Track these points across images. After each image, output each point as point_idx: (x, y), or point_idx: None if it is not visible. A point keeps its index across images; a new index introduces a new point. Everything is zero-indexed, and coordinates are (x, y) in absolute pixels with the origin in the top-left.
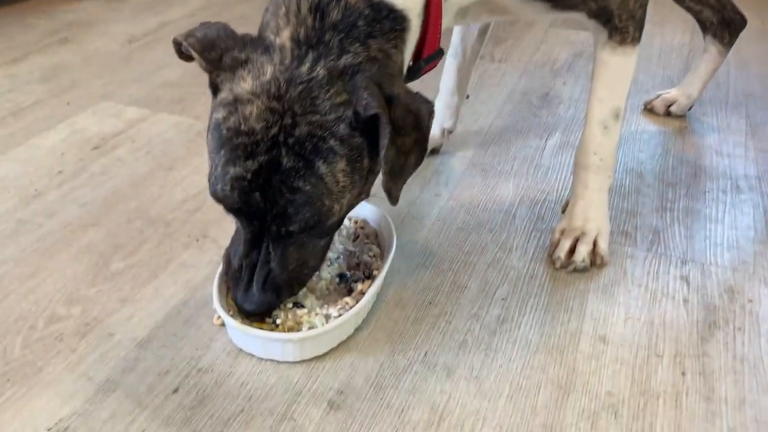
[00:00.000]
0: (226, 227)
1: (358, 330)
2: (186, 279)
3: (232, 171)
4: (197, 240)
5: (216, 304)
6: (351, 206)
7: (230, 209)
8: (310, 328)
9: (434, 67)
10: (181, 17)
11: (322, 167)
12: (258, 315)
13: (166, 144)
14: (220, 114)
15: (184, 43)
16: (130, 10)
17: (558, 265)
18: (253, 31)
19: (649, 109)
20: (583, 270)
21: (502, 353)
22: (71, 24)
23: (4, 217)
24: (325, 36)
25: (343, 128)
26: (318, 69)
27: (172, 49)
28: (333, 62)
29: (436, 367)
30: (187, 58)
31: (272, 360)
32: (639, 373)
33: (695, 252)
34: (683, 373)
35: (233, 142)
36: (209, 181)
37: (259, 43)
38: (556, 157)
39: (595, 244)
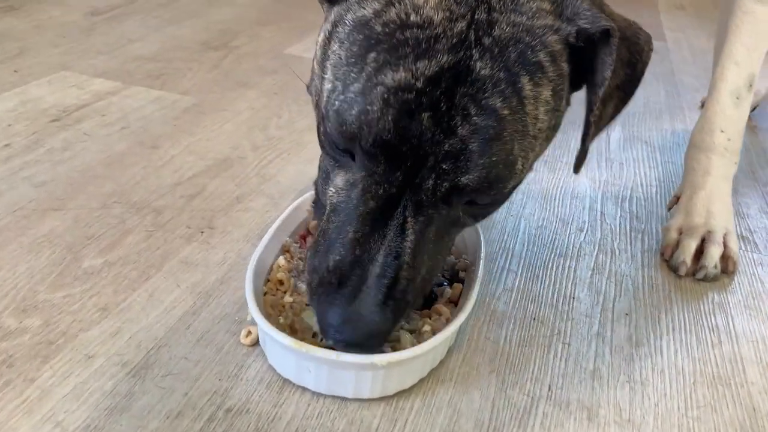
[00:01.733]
0: (237, 218)
1: (448, 353)
2: (192, 282)
3: (391, 78)
4: (201, 232)
5: (253, 310)
6: (522, 176)
7: (370, 145)
8: (394, 348)
9: None
10: None
11: (527, 86)
12: (367, 346)
13: (145, 120)
14: (368, 8)
15: None
16: None
17: (683, 271)
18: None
19: None
20: (713, 279)
21: (652, 387)
22: None
23: None
24: None
25: (555, 41)
26: None
27: (145, 24)
28: None
29: (570, 406)
30: None
31: (335, 396)
32: None
33: None
34: None
35: (395, 39)
36: (327, 106)
37: None
38: (624, 151)
39: (725, 245)
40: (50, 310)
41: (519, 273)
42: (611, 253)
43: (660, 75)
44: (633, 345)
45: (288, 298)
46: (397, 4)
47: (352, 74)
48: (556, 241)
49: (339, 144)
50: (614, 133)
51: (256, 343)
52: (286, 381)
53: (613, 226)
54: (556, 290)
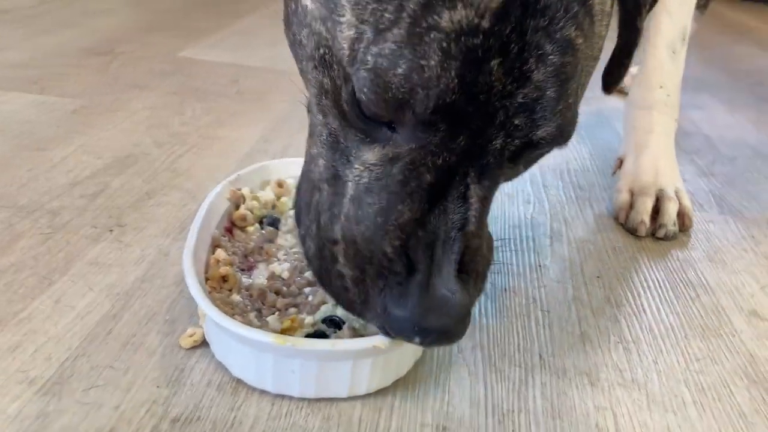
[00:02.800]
0: (150, 213)
1: None
2: (107, 283)
3: (448, 18)
4: (110, 231)
5: (205, 304)
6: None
7: (428, 111)
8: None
9: None
10: (22, 6)
11: (596, 3)
12: (457, 333)
13: (27, 124)
14: None
15: None
16: None
17: (643, 231)
18: None
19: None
20: (673, 237)
21: (646, 345)
22: None
23: None
24: None
25: None
26: None
27: (12, 33)
28: None
29: (567, 373)
30: None
31: (301, 398)
32: None
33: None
34: None
35: None
36: (353, 62)
37: None
38: None
39: (678, 202)
40: None
41: None
42: (564, 221)
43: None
44: (614, 306)
45: (236, 297)
46: None
47: (387, 15)
48: (506, 213)
49: (377, 114)
50: None
51: (198, 345)
52: (240, 381)
53: (559, 197)
54: (520, 260)
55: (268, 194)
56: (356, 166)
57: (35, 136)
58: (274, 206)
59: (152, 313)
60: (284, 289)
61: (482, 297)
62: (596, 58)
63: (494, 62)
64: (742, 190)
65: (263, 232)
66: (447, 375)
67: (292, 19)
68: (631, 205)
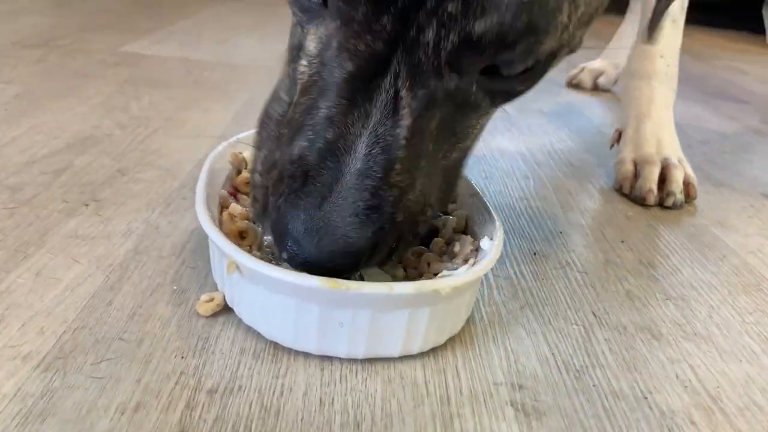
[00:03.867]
0: (127, 189)
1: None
2: (96, 255)
3: None
4: (86, 205)
5: (235, 250)
6: (567, 40)
7: None
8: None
9: None
10: None
11: None
12: (334, 266)
13: None
14: None
15: None
16: None
17: (651, 200)
18: None
19: (575, 84)
20: (680, 206)
21: (694, 301)
22: None
23: None
24: None
25: None
26: None
27: None
28: None
29: (627, 328)
30: None
31: (350, 360)
32: None
33: (765, 185)
34: None
35: None
36: None
37: None
38: (524, 119)
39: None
40: None
41: None
42: (568, 192)
43: None
44: (647, 267)
45: (257, 253)
46: None
47: None
48: (509, 187)
49: None
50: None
51: (217, 312)
52: (277, 346)
53: (554, 172)
54: (538, 227)
55: None
56: (303, 62)
57: None
58: None
59: (155, 284)
60: None
61: (513, 261)
62: None
63: None
64: (725, 167)
65: None
66: (504, 334)
67: None
68: (636, 175)
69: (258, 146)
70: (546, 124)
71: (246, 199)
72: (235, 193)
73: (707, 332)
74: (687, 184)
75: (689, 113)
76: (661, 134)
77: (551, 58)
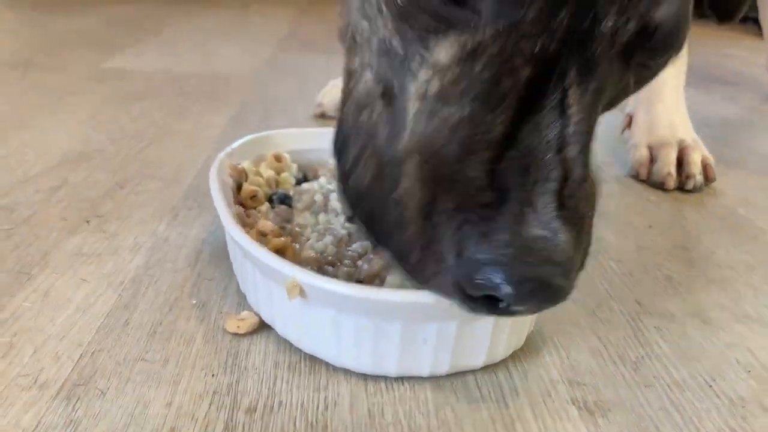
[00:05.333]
0: (130, 201)
1: None
2: (105, 272)
3: None
4: (87, 221)
5: (277, 262)
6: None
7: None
8: None
9: None
10: None
11: None
12: (559, 290)
13: None
14: None
15: None
16: None
17: (671, 184)
18: None
19: None
20: (700, 188)
21: (740, 285)
22: None
23: None
24: None
25: None
26: None
27: None
28: None
29: (675, 315)
30: None
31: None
32: None
33: None
34: None
35: None
36: None
37: None
38: None
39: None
40: None
41: None
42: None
43: None
44: (683, 250)
45: (311, 253)
46: None
47: None
48: None
49: None
50: None
51: (252, 331)
52: (313, 358)
53: None
54: None
55: (266, 170)
56: (422, 73)
57: None
58: (277, 184)
59: (173, 299)
60: (338, 263)
61: None
62: None
63: None
64: (736, 147)
65: (277, 210)
66: (551, 331)
67: None
68: (652, 160)
69: (349, 164)
70: None
71: (255, 214)
72: (241, 202)
73: (757, 314)
74: (705, 165)
75: (687, 99)
76: (674, 116)
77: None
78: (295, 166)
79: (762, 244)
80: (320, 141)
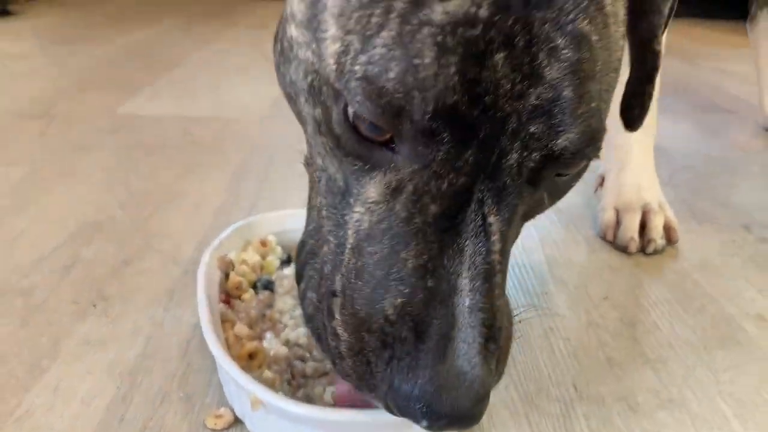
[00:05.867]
0: (133, 282)
1: None
2: (106, 362)
3: (441, 10)
4: (94, 306)
5: (246, 382)
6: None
7: (428, 118)
8: None
9: None
10: None
11: (607, 5)
12: (474, 418)
13: None
14: None
15: None
16: None
17: (633, 248)
18: None
19: None
20: (662, 251)
21: (672, 362)
22: None
23: None
24: None
25: None
26: None
27: None
28: None
29: (606, 400)
30: None
31: None
32: None
33: (748, 214)
34: None
35: None
36: (340, 78)
37: None
38: None
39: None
40: None
41: None
42: (555, 244)
43: None
44: (628, 326)
45: (268, 373)
46: None
47: (374, 19)
48: None
49: (373, 131)
50: None
51: (227, 427)
52: None
53: (542, 220)
54: (524, 289)
55: (252, 256)
56: (356, 209)
57: None
58: (262, 268)
59: (164, 391)
60: (307, 355)
61: None
62: (616, 70)
63: (498, 56)
64: (709, 198)
65: (260, 297)
66: (488, 417)
67: (280, 60)
68: (618, 223)
69: (304, 285)
70: None
71: (238, 303)
72: (227, 299)
73: (681, 398)
74: (668, 228)
75: (677, 132)
76: (641, 180)
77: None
78: (279, 249)
79: (706, 317)
80: (303, 222)
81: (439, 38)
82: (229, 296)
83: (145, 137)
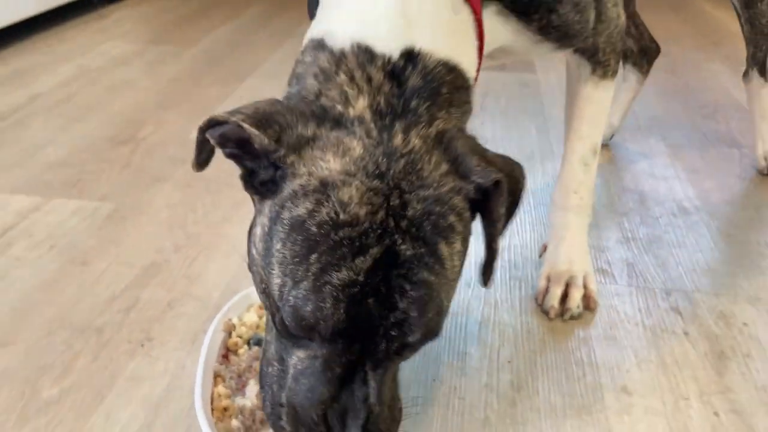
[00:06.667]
0: (172, 326)
1: None
2: (142, 395)
3: (337, 278)
4: (142, 345)
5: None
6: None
7: (328, 333)
8: None
9: None
10: (54, 87)
11: (444, 250)
12: None
13: (71, 234)
14: (301, 208)
15: (234, 119)
16: None
17: (552, 314)
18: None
19: None
20: (578, 317)
21: (531, 425)
22: None
23: None
24: (411, 103)
25: (459, 201)
26: (413, 139)
27: (51, 125)
28: (425, 130)
29: None
30: (207, 159)
31: None
32: (674, 422)
33: (674, 280)
34: (716, 414)
35: (332, 239)
36: (280, 300)
37: (323, 116)
38: None
39: (585, 287)
40: None
41: None
42: (494, 304)
43: (530, 111)
44: (515, 389)
45: (234, 421)
46: (326, 203)
47: (299, 272)
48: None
49: (298, 333)
50: None
51: None
52: None
53: (496, 278)
54: (451, 348)
55: (252, 317)
56: (293, 356)
57: (78, 248)
58: (257, 326)
59: (175, 421)
60: None
61: (414, 387)
62: (454, 279)
63: (370, 300)
64: (654, 257)
65: (251, 352)
66: None
67: (250, 249)
68: (547, 290)
69: (263, 394)
70: None
71: (234, 358)
72: (227, 354)
73: None
74: (588, 298)
75: (667, 172)
76: (573, 255)
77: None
78: None
79: (581, 387)
80: None
81: (335, 293)
82: (228, 351)
83: (207, 169)
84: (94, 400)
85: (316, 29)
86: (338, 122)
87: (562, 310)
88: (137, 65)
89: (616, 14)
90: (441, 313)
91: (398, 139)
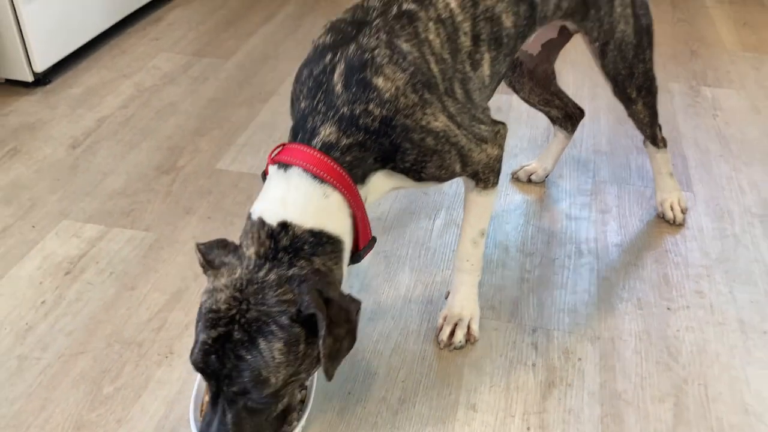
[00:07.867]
0: (187, 344)
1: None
2: (163, 395)
3: (201, 336)
4: (166, 357)
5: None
6: (289, 381)
7: (196, 368)
8: None
9: (371, 250)
10: (116, 109)
11: (262, 344)
12: None
13: (124, 263)
14: (204, 297)
15: (198, 251)
16: (66, 106)
17: (442, 346)
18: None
19: (515, 178)
20: (461, 347)
21: (402, 430)
22: (16, 130)
23: (6, 356)
24: (279, 254)
25: (284, 318)
26: (271, 275)
27: (113, 152)
28: (283, 271)
29: None
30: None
31: None
32: None
33: (543, 319)
34: (528, 429)
35: (206, 317)
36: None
37: (236, 253)
38: (441, 237)
39: (469, 326)
40: (91, 426)
41: (347, 359)
42: (408, 334)
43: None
44: (400, 402)
45: None
46: (211, 298)
47: (196, 331)
48: (375, 331)
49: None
50: (438, 220)
51: None
52: None
53: (414, 311)
54: (366, 370)
55: None
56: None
57: (129, 274)
58: None
59: (182, 415)
60: None
61: (334, 397)
62: (275, 366)
63: (213, 356)
64: (537, 297)
65: None
66: None
67: None
68: (441, 327)
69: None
70: (454, 243)
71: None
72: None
73: None
74: (470, 334)
75: (617, 238)
76: (465, 303)
77: (275, 396)
78: None
79: (444, 404)
80: None
81: (197, 346)
82: None
83: (226, 201)
84: (135, 396)
85: (253, 205)
86: (240, 257)
87: (450, 343)
88: (183, 83)
89: (485, 156)
90: (256, 380)
91: (262, 273)
